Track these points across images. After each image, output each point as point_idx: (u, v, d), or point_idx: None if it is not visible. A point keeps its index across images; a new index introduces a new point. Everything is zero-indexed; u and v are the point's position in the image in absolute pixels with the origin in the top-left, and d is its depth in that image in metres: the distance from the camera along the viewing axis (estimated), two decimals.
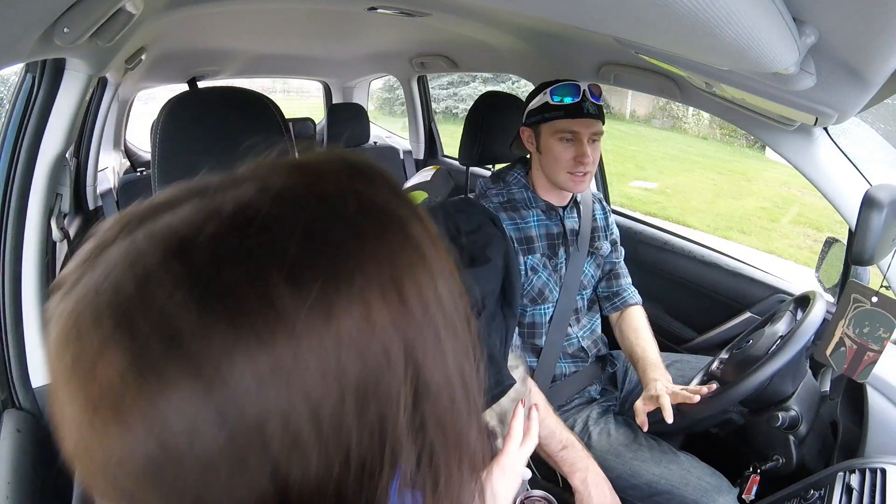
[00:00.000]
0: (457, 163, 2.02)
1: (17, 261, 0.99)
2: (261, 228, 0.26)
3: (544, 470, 1.12)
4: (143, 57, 1.65)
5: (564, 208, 1.34)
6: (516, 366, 0.86)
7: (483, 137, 1.69)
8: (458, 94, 10.04)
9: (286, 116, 0.95)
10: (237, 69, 2.62)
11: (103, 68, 1.13)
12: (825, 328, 0.99)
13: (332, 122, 2.84)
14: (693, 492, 1.09)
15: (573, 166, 1.22)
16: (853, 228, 0.99)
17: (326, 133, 2.98)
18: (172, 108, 0.82)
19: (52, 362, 0.27)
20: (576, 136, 1.22)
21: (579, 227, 1.36)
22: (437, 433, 0.30)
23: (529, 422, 0.64)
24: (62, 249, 1.37)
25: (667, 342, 1.66)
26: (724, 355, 1.19)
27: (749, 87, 0.84)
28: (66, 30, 0.76)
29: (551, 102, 1.22)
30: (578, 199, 1.37)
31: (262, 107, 0.93)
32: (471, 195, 1.64)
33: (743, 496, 1.07)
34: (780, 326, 1.13)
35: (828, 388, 1.15)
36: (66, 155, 1.12)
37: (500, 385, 0.76)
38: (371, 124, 2.98)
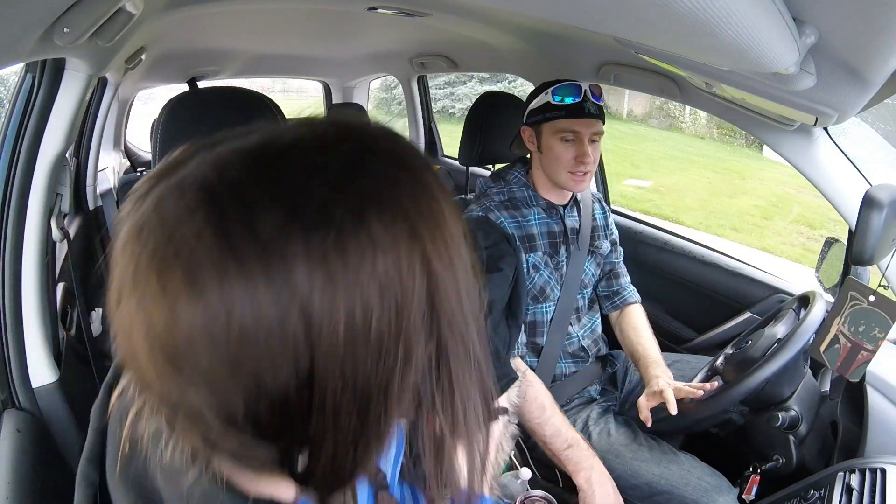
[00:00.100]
0: (457, 163, 2.02)
1: (17, 261, 0.99)
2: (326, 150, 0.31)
3: (544, 470, 1.12)
4: (143, 57, 1.65)
5: (565, 207, 1.34)
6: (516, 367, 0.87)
7: (483, 137, 1.69)
8: (454, 94, 10.03)
9: (286, 116, 0.95)
10: (237, 69, 2.62)
11: (103, 68, 1.13)
12: (822, 325, 0.99)
13: None
14: (693, 492, 1.09)
15: (574, 166, 1.23)
16: (853, 228, 0.99)
17: None
18: (173, 108, 0.82)
19: (121, 241, 0.30)
20: (577, 135, 1.22)
21: (580, 225, 1.36)
22: (447, 333, 0.33)
23: None
24: (62, 249, 1.37)
25: (667, 342, 1.66)
26: (728, 350, 1.19)
27: (749, 87, 0.84)
28: (66, 30, 0.76)
29: (553, 102, 1.22)
30: (578, 198, 1.38)
31: (262, 107, 0.93)
32: (471, 195, 1.64)
33: (743, 496, 1.07)
34: (780, 328, 1.13)
35: (828, 388, 1.15)
36: (66, 155, 1.12)
37: (505, 377, 0.78)
38: None
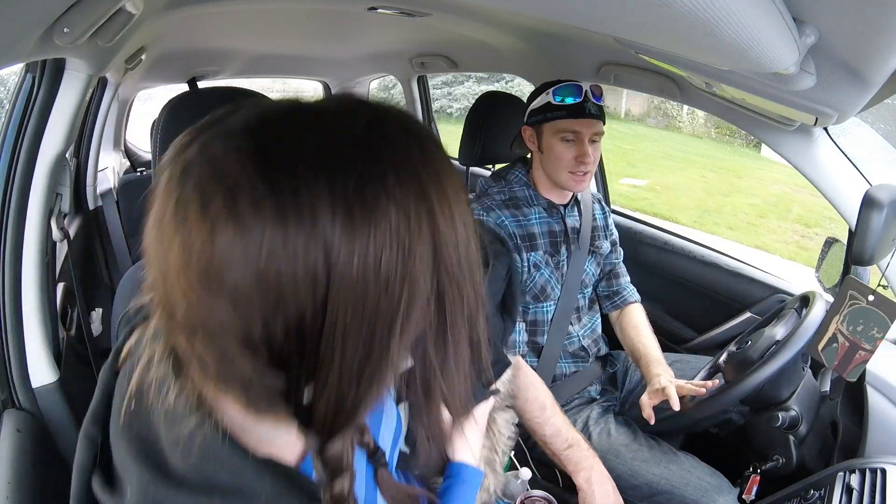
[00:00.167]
0: (457, 163, 2.02)
1: (17, 261, 0.99)
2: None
3: (544, 470, 1.12)
4: (143, 57, 1.65)
5: (565, 206, 1.34)
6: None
7: (483, 137, 1.68)
8: (452, 94, 10.03)
9: None
10: (237, 69, 2.62)
11: (103, 68, 1.13)
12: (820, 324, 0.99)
13: None
14: (693, 492, 1.09)
15: (574, 166, 1.23)
16: (853, 228, 0.99)
17: None
18: (173, 108, 0.82)
19: (164, 182, 0.34)
20: (577, 136, 1.22)
21: (580, 225, 1.36)
22: (446, 281, 0.37)
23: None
24: (62, 249, 1.37)
25: (667, 342, 1.66)
26: (732, 348, 1.19)
27: (749, 87, 0.84)
28: (66, 30, 0.76)
29: (553, 102, 1.22)
30: (579, 198, 1.38)
31: None
32: (471, 195, 1.64)
33: (743, 496, 1.07)
34: (780, 328, 1.13)
35: (828, 388, 1.15)
36: (66, 155, 1.12)
37: (499, 363, 0.79)
38: None
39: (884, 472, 0.89)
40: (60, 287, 1.28)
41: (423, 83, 2.85)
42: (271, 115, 0.35)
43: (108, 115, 2.15)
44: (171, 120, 0.80)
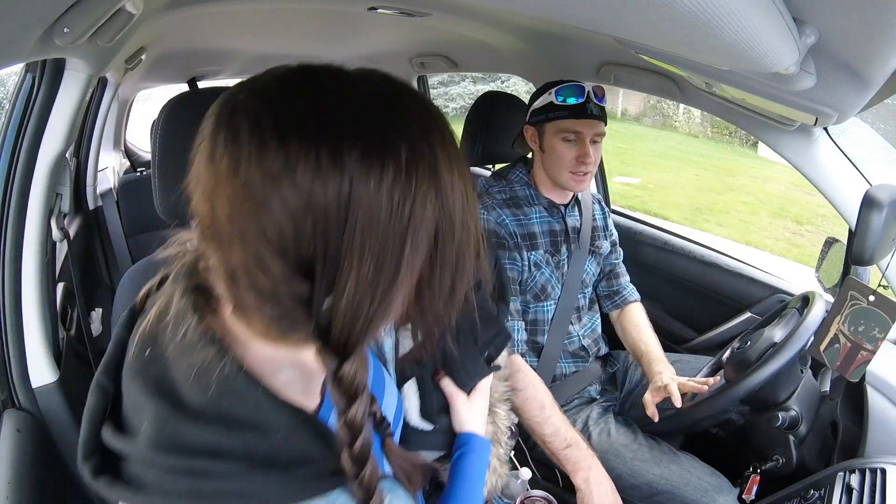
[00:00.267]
0: None
1: (17, 261, 0.99)
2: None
3: (544, 470, 1.12)
4: (143, 57, 1.65)
5: (566, 206, 1.34)
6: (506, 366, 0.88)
7: (483, 137, 1.68)
8: (448, 94, 10.02)
9: None
10: (237, 69, 2.62)
11: (103, 68, 1.13)
12: (821, 325, 0.99)
13: None
14: (693, 492, 1.09)
15: (575, 166, 1.23)
16: (853, 228, 0.99)
17: None
18: (173, 108, 0.81)
19: (211, 125, 0.39)
20: (579, 136, 1.22)
21: (580, 225, 1.36)
22: (447, 225, 0.41)
23: None
24: (62, 249, 1.37)
25: (667, 342, 1.66)
26: (736, 344, 1.20)
27: (749, 87, 0.84)
28: (66, 30, 0.76)
29: (556, 102, 1.23)
30: (579, 198, 1.38)
31: None
32: None
33: (743, 496, 1.07)
34: (780, 329, 1.13)
35: (828, 388, 1.15)
36: (66, 155, 1.12)
37: (501, 335, 0.81)
38: None
39: (884, 472, 0.89)
40: (60, 287, 1.27)
41: (423, 83, 2.86)
42: (318, 70, 0.40)
43: (108, 115, 2.15)
44: (171, 120, 0.80)
